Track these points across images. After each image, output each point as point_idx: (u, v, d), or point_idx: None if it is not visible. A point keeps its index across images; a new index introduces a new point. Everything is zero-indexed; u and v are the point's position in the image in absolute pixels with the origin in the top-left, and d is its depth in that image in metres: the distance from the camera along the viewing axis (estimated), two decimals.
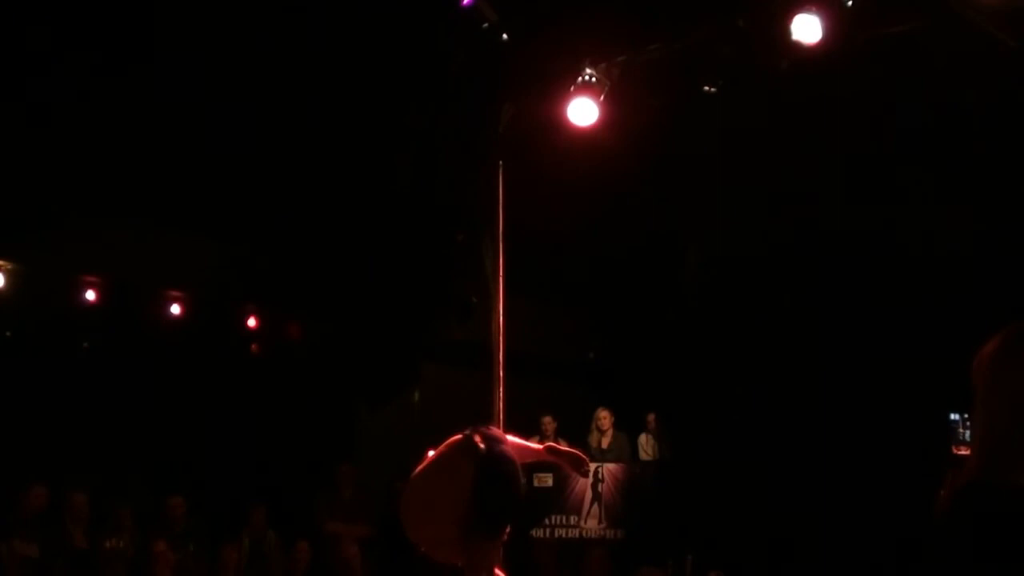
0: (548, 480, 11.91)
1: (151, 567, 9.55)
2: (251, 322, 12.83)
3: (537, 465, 12.07)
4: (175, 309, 12.26)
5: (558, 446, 5.07)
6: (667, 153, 10.19)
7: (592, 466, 11.89)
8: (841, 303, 11.65)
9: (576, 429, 12.39)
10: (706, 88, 7.42)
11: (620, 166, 9.86)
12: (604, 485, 11.89)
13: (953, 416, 10.43)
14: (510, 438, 4.62)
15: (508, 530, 4.38)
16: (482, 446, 4.31)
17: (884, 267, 11.31)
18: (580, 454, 4.93)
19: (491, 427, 4.68)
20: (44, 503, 9.88)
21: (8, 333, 11.66)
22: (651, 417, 12.62)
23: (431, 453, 4.43)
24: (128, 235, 11.39)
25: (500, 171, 6.55)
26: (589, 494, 11.89)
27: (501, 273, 6.70)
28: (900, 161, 10.24)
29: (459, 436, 4.32)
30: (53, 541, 9.64)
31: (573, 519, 11.89)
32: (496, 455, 4.34)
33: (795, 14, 6.81)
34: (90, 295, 11.67)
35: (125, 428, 11.56)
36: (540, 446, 4.94)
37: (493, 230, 6.72)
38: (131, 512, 10.16)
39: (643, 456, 12.42)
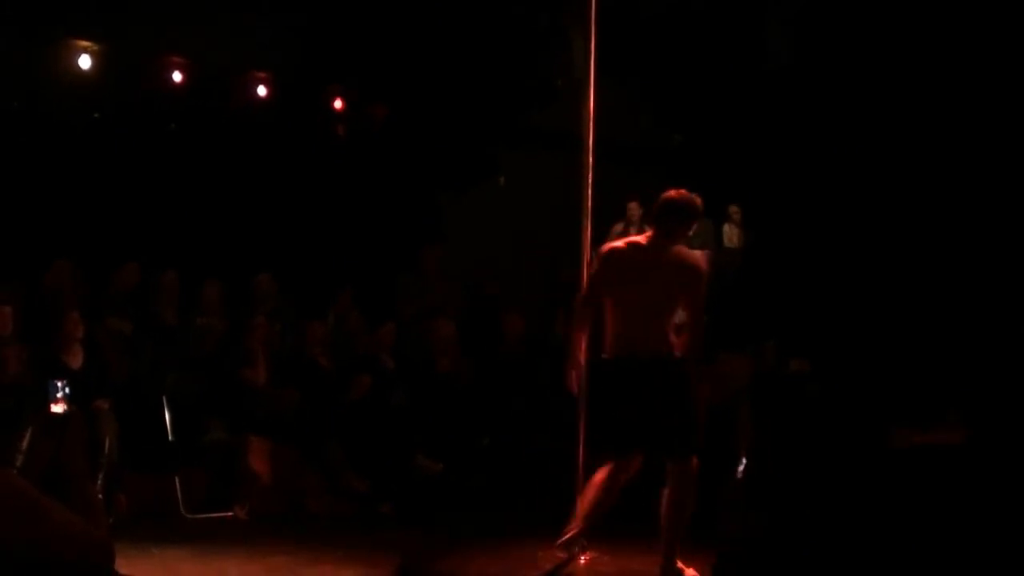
0: None
1: (243, 341, 9.69)
2: (337, 104, 12.78)
3: None
4: (261, 90, 12.25)
5: None
6: None
7: None
8: (937, 89, 11.34)
9: None
10: None
11: None
12: None
13: None
14: None
15: None
16: None
17: (989, 62, 10.95)
18: None
19: None
20: (136, 281, 10.05)
21: (96, 115, 11.73)
22: (735, 208, 12.50)
23: None
24: (214, 15, 11.32)
25: None
26: None
27: (593, 55, 6.57)
28: None
29: None
30: (145, 318, 9.83)
31: None
32: None
33: None
34: (177, 76, 11.67)
35: (213, 208, 11.69)
36: None
37: (583, 12, 6.57)
38: (220, 290, 10.29)
39: (728, 244, 12.34)
